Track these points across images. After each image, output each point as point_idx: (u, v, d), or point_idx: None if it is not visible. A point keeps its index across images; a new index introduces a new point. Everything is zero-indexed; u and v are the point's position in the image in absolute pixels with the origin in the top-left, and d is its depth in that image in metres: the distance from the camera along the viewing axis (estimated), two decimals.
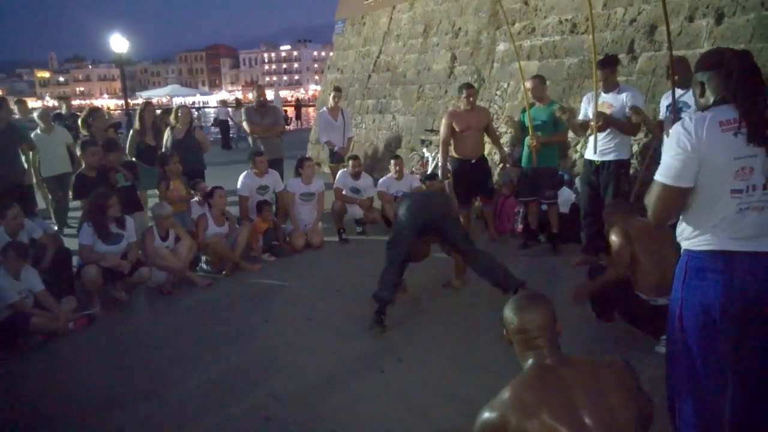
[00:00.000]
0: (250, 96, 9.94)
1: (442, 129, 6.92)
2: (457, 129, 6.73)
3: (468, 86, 6.84)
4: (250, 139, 8.54)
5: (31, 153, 7.90)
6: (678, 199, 2.39)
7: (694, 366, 2.44)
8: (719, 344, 2.40)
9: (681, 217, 2.49)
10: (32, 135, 8.52)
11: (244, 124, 8.56)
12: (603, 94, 5.60)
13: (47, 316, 4.86)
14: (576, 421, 1.85)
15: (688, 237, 2.44)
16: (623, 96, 5.51)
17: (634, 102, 5.42)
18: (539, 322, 2.08)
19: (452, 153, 6.95)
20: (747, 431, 2.50)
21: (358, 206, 7.71)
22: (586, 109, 5.82)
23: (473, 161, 6.85)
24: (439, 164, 7.44)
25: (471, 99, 6.71)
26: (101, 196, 5.59)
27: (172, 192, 6.87)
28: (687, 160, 2.30)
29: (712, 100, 2.40)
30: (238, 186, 7.32)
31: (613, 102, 5.54)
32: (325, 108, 9.16)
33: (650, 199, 2.44)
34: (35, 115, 9.08)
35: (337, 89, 9.22)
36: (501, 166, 7.71)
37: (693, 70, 2.53)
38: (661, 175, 2.38)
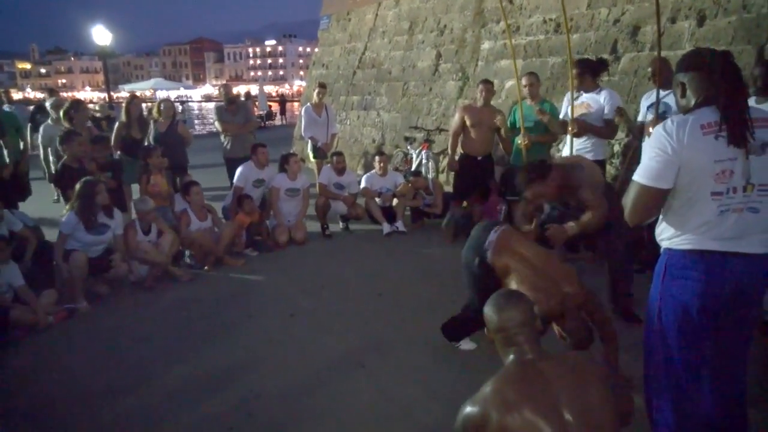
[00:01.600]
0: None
1: (454, 121, 6.93)
2: (468, 123, 6.74)
3: (486, 81, 6.85)
4: (222, 137, 8.50)
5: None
6: (656, 200, 2.39)
7: (672, 363, 2.46)
8: (698, 341, 2.43)
9: (661, 218, 2.50)
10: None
11: (216, 124, 8.53)
12: (584, 93, 5.65)
13: (27, 310, 4.81)
14: (556, 417, 1.87)
15: (669, 237, 2.46)
16: (601, 96, 5.58)
17: (612, 104, 5.51)
18: (518, 320, 2.11)
19: (461, 148, 6.95)
20: (724, 426, 2.54)
21: (342, 202, 7.70)
22: (566, 109, 5.87)
23: (479, 158, 6.86)
24: (448, 157, 7.45)
25: (484, 94, 6.69)
26: (90, 183, 5.55)
27: (152, 186, 6.83)
28: (666, 162, 2.30)
29: (693, 101, 2.40)
30: (236, 176, 7.30)
31: (592, 102, 5.60)
32: (309, 104, 9.14)
33: (628, 199, 2.44)
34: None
35: (322, 85, 9.19)
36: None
37: (675, 71, 2.53)
38: (639, 176, 2.39)
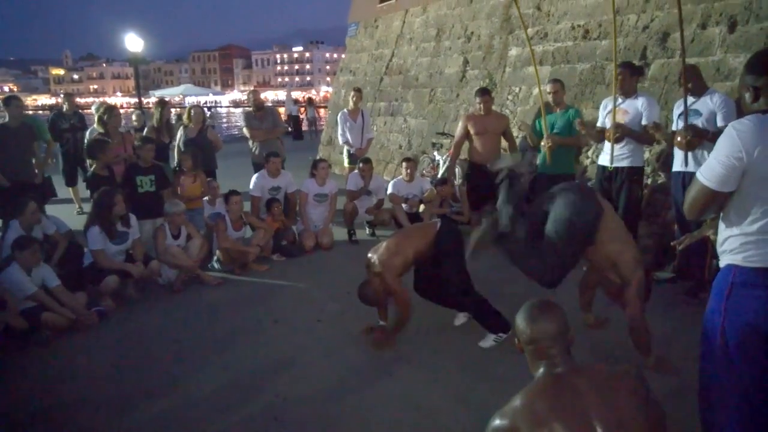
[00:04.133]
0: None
1: (458, 131, 6.91)
2: (472, 132, 6.72)
3: (482, 93, 6.77)
4: (250, 143, 8.60)
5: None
6: (716, 202, 2.33)
7: (741, 380, 2.32)
8: (766, 362, 2.30)
9: (725, 232, 2.40)
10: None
11: (245, 130, 8.64)
12: (619, 99, 5.60)
13: (59, 311, 4.88)
14: (588, 431, 1.83)
15: (736, 252, 2.34)
16: (639, 102, 5.51)
17: (650, 110, 5.44)
18: (552, 332, 2.03)
19: (467, 157, 6.92)
20: None
21: (366, 212, 7.72)
22: (603, 117, 5.82)
23: (489, 166, 6.83)
24: (448, 165, 7.46)
25: (483, 106, 6.66)
26: (107, 194, 5.62)
27: (180, 188, 6.97)
28: (733, 167, 2.21)
29: None
30: (251, 186, 7.37)
31: (628, 108, 5.54)
32: (345, 109, 9.20)
33: (689, 194, 2.38)
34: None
35: (357, 90, 9.22)
36: None
37: (744, 72, 2.36)
38: (703, 177, 2.31)
